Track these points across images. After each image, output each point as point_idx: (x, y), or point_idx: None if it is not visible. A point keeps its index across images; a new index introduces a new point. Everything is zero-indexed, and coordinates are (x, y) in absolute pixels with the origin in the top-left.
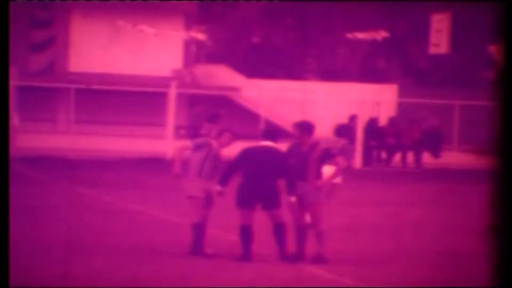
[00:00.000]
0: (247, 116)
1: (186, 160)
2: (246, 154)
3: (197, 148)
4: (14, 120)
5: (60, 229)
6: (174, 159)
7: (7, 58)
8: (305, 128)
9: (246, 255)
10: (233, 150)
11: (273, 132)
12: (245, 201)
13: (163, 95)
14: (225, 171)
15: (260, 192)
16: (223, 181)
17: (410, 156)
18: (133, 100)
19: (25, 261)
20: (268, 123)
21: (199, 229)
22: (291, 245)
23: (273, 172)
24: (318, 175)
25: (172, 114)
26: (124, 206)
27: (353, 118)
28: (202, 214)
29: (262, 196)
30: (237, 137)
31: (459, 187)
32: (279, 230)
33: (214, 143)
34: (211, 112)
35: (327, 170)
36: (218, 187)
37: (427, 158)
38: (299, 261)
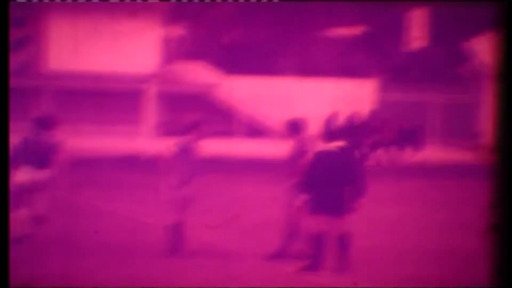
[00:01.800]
0: (226, 113)
1: (167, 161)
2: (320, 159)
3: (182, 151)
4: None
5: (42, 229)
6: (165, 168)
7: (7, 58)
8: (293, 125)
9: (316, 265)
10: (205, 145)
11: (337, 132)
12: (320, 207)
13: (141, 93)
14: (305, 179)
15: (334, 197)
16: (305, 191)
17: (390, 153)
18: (111, 98)
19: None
20: (294, 118)
21: (178, 229)
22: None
23: (346, 177)
24: (297, 173)
25: (150, 112)
26: (102, 205)
27: (334, 115)
28: (181, 215)
29: (335, 202)
30: (209, 130)
31: (439, 182)
32: (342, 240)
33: (193, 144)
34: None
35: None
36: (302, 197)
37: (406, 154)
38: (283, 259)
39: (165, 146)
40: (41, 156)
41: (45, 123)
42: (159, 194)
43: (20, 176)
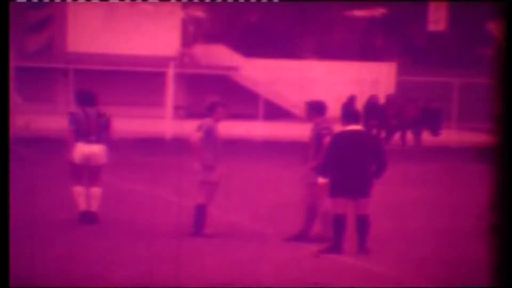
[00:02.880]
0: (246, 96)
1: (195, 144)
2: (340, 141)
3: (207, 134)
4: (16, 99)
5: (61, 209)
6: (197, 151)
7: (7, 58)
8: (314, 108)
9: (337, 247)
10: (225, 127)
11: (356, 114)
12: (340, 190)
13: (162, 75)
14: (325, 162)
15: (354, 180)
16: (326, 173)
17: (410, 135)
18: (132, 80)
19: (27, 244)
20: (312, 101)
21: (203, 210)
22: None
23: (367, 159)
24: (316, 155)
25: (170, 94)
26: (125, 186)
27: (351, 98)
28: (209, 196)
29: (355, 184)
30: (228, 111)
31: (458, 165)
32: (362, 222)
33: (214, 124)
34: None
35: None
36: (321, 179)
37: (426, 136)
38: (303, 241)
39: (189, 128)
40: (94, 131)
41: (90, 99)
42: (191, 175)
43: (77, 152)
